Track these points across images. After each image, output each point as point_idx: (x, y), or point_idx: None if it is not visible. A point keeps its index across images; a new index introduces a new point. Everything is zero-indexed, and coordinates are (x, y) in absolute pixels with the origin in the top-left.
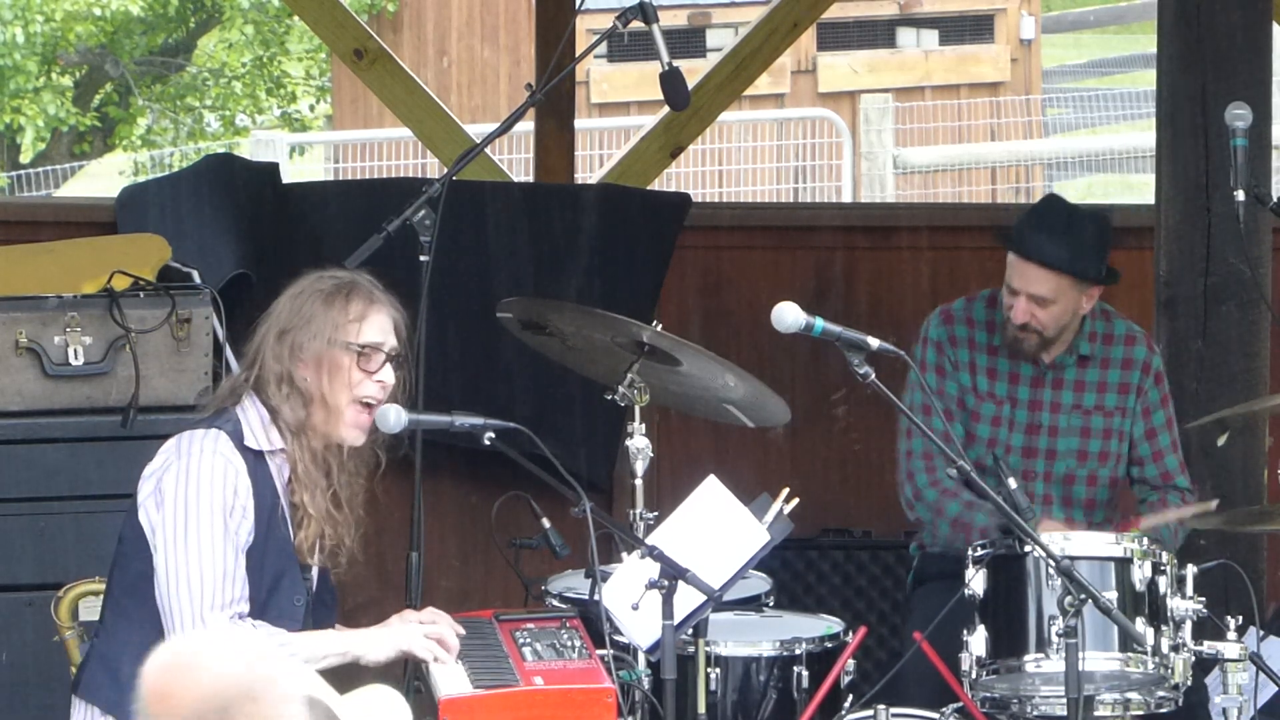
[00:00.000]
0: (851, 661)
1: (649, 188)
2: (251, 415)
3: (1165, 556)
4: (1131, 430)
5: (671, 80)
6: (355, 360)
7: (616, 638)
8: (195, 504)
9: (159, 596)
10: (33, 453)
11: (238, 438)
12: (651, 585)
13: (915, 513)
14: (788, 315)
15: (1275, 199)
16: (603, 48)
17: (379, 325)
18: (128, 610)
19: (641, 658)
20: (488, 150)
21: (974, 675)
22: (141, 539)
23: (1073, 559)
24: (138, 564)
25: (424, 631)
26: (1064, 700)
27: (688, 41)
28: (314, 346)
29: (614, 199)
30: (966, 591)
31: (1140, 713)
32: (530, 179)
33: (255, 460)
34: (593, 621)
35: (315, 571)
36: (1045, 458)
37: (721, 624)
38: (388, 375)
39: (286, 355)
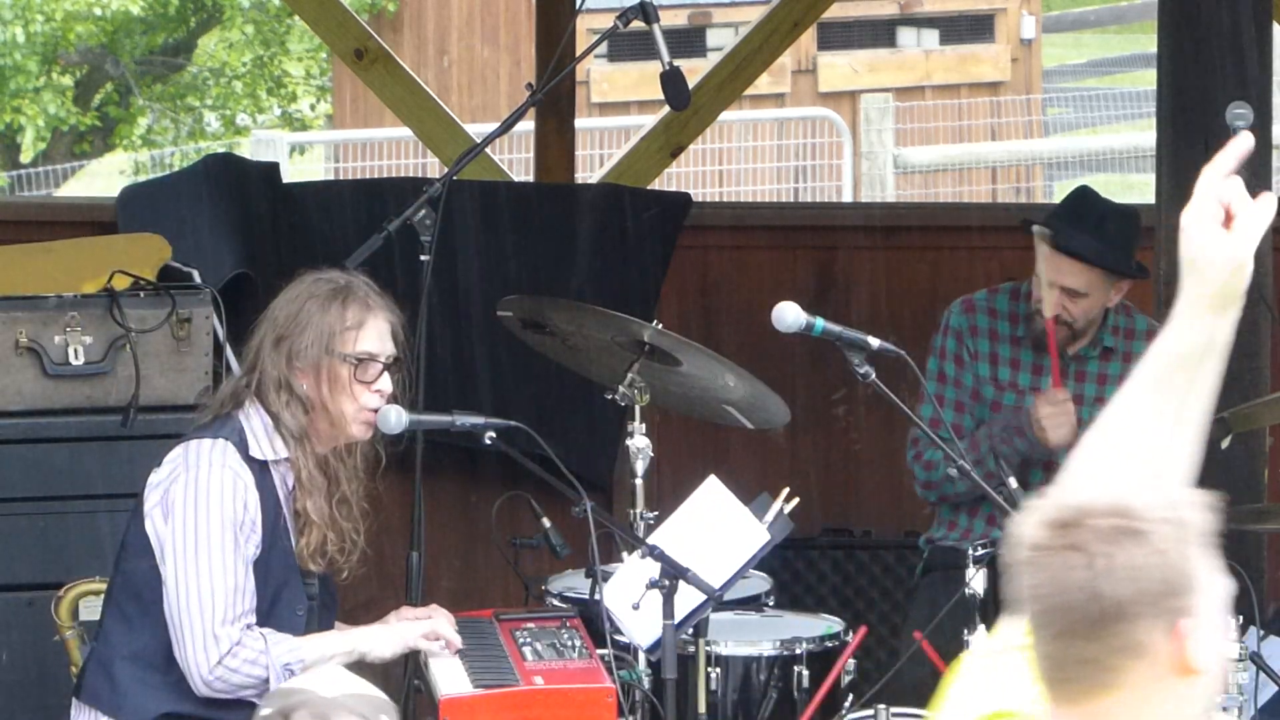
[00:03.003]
0: (852, 661)
1: (649, 188)
2: (255, 423)
3: None
4: None
5: (672, 80)
6: (353, 371)
7: (617, 637)
8: (205, 519)
9: (168, 611)
10: (33, 452)
11: (243, 448)
12: (652, 585)
13: (932, 488)
14: (788, 315)
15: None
16: (603, 48)
17: (376, 332)
18: (130, 616)
19: (642, 657)
20: (488, 150)
21: None
22: (147, 548)
23: None
24: (141, 572)
25: (423, 631)
26: None
27: (688, 41)
28: (311, 354)
29: (614, 199)
30: (967, 591)
31: None
32: (530, 179)
33: (261, 471)
34: (593, 621)
35: (316, 577)
36: (1068, 450)
37: (722, 624)
38: (385, 384)
39: (284, 363)
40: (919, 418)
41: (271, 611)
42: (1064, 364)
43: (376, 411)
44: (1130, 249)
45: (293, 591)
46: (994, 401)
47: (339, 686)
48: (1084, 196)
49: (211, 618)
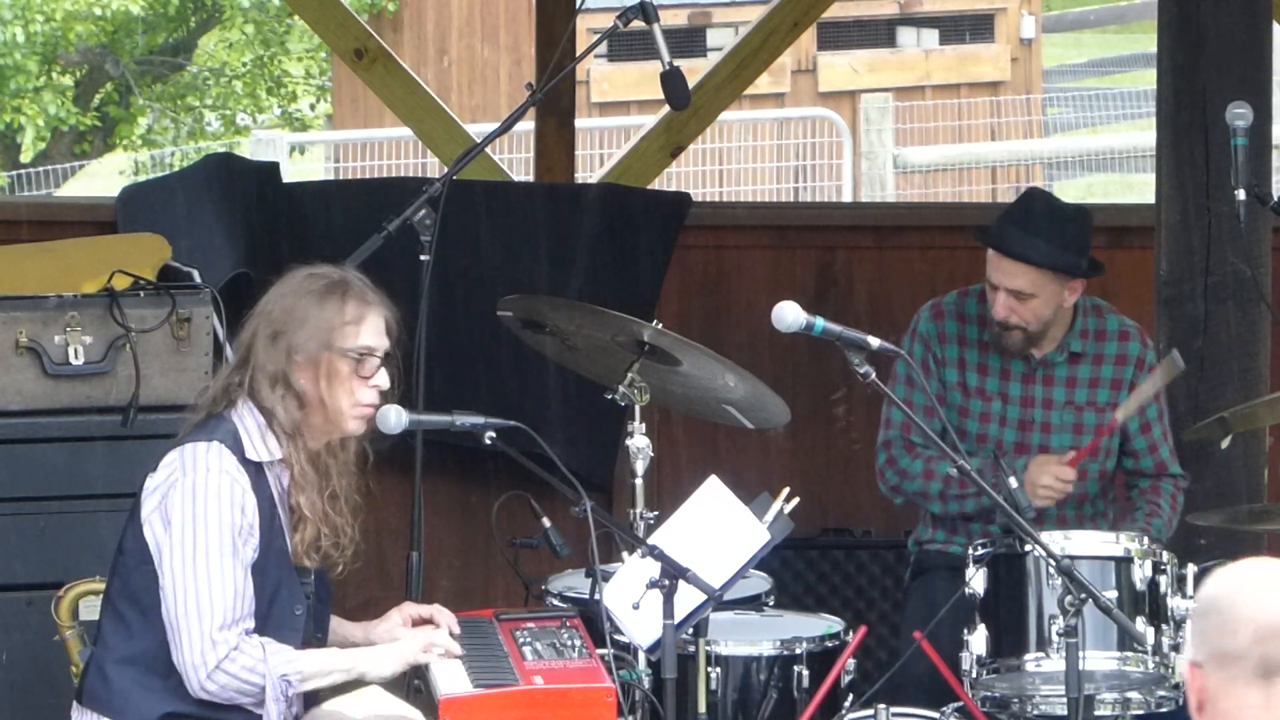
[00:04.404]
0: (851, 661)
1: (649, 187)
2: (249, 423)
3: (1165, 556)
4: (1125, 425)
5: (672, 80)
6: (354, 367)
7: (617, 637)
8: (204, 525)
9: (167, 616)
10: (33, 452)
11: (238, 450)
12: (652, 584)
13: (901, 494)
14: (788, 315)
15: (1275, 199)
16: (603, 47)
17: (374, 328)
18: (129, 621)
19: (642, 657)
20: (488, 150)
21: (974, 674)
22: (145, 553)
23: (1073, 558)
24: (139, 576)
25: (421, 645)
26: (1064, 700)
27: (688, 41)
28: (310, 350)
29: (614, 199)
30: (967, 591)
31: (1140, 712)
32: (530, 179)
33: (256, 473)
34: (593, 621)
35: (312, 574)
36: (1038, 454)
37: (722, 623)
38: (383, 379)
39: (282, 358)
40: (890, 421)
41: (270, 612)
42: (1030, 368)
43: (373, 406)
44: (1077, 248)
45: (290, 591)
46: (961, 407)
47: (369, 708)
48: (1030, 198)
49: (210, 623)
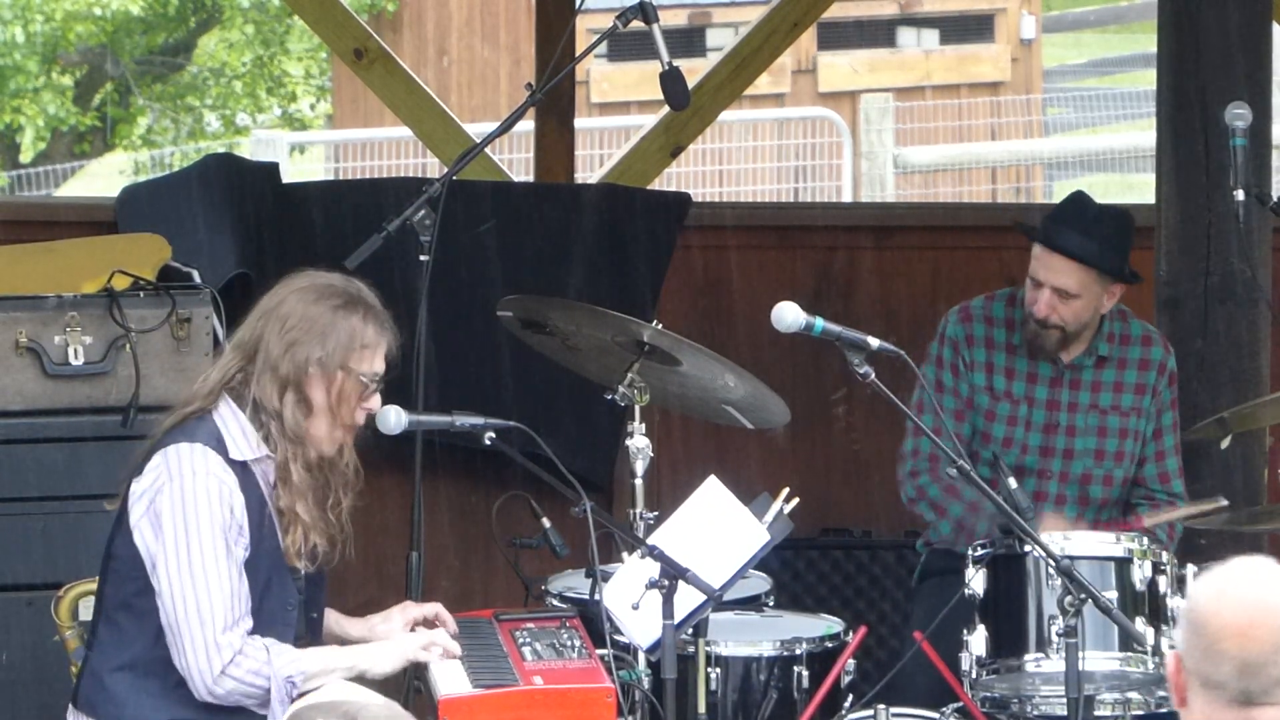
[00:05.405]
0: (851, 661)
1: (649, 187)
2: (231, 424)
3: (1165, 556)
4: (1145, 430)
5: (671, 80)
6: (360, 390)
7: (616, 637)
8: (195, 529)
9: (167, 622)
10: (33, 452)
11: (222, 451)
12: (652, 585)
13: (917, 509)
14: (788, 315)
15: (1275, 199)
16: (603, 47)
17: (384, 354)
18: (123, 626)
19: (641, 657)
20: (488, 150)
21: (974, 675)
22: (137, 559)
23: (1073, 559)
24: (132, 583)
25: (422, 643)
26: (1064, 700)
27: (688, 41)
28: (328, 366)
29: (614, 199)
30: (967, 591)
31: (1140, 713)
32: (530, 179)
33: (242, 472)
34: (593, 621)
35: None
36: (1062, 457)
37: (722, 624)
38: (375, 403)
39: (297, 367)
40: (916, 429)
41: (261, 608)
42: (1058, 372)
43: (355, 429)
44: (1123, 251)
45: (281, 586)
46: (989, 410)
47: (376, 699)
48: (1078, 199)
49: (212, 627)
